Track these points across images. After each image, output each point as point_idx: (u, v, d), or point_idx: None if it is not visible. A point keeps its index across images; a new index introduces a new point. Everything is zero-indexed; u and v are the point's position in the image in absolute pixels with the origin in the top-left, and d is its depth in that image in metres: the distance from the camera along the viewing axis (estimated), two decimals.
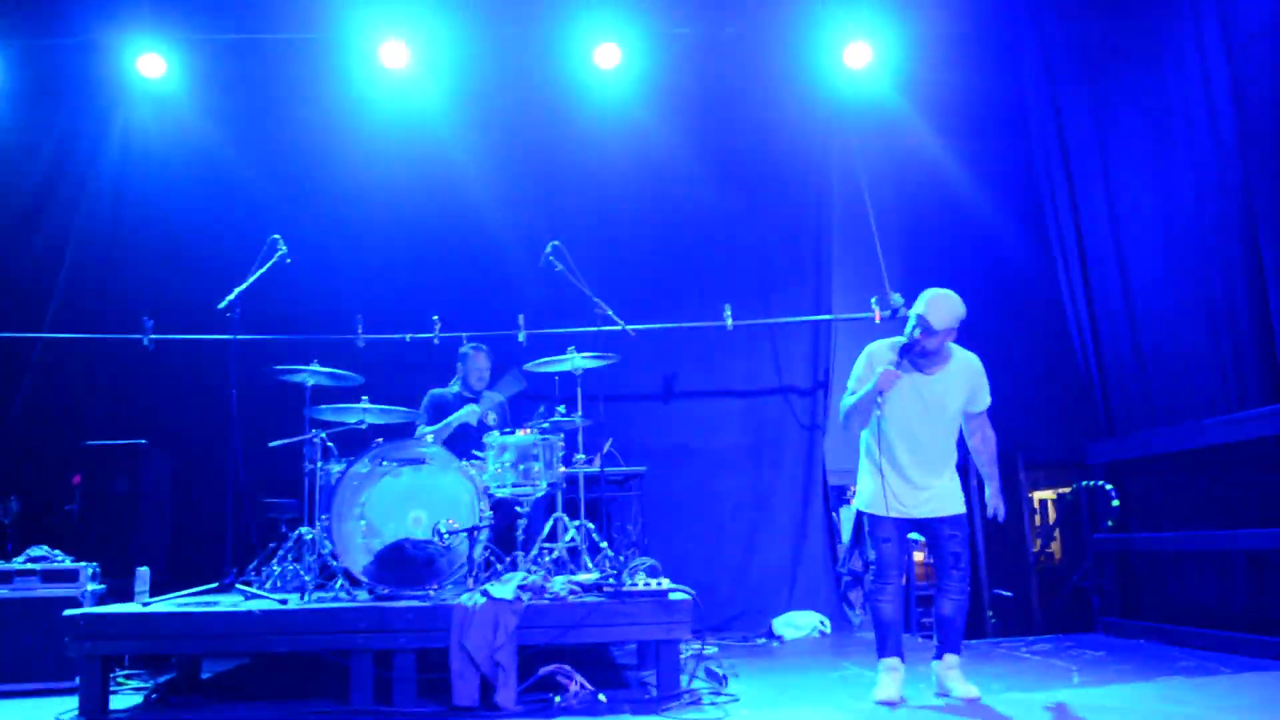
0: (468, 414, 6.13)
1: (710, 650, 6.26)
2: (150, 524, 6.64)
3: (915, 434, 4.58)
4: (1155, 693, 4.57)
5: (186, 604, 4.97)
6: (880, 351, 4.64)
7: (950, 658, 4.63)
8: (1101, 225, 6.91)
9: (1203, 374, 6.07)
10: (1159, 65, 6.36)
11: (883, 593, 4.63)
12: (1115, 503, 6.64)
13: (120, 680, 5.21)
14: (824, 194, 7.97)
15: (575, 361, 5.66)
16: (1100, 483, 6.74)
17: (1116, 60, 6.84)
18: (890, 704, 4.46)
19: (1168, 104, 6.29)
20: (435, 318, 7.17)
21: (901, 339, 4.57)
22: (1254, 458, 5.61)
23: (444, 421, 6.16)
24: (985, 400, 4.70)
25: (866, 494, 4.70)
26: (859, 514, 4.87)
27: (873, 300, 7.40)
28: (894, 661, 4.61)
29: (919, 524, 4.65)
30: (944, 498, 4.61)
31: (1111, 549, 6.76)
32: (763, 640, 6.99)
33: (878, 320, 7.26)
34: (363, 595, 5.03)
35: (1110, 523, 6.70)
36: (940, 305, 4.47)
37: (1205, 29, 5.96)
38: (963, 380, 4.64)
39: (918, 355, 4.52)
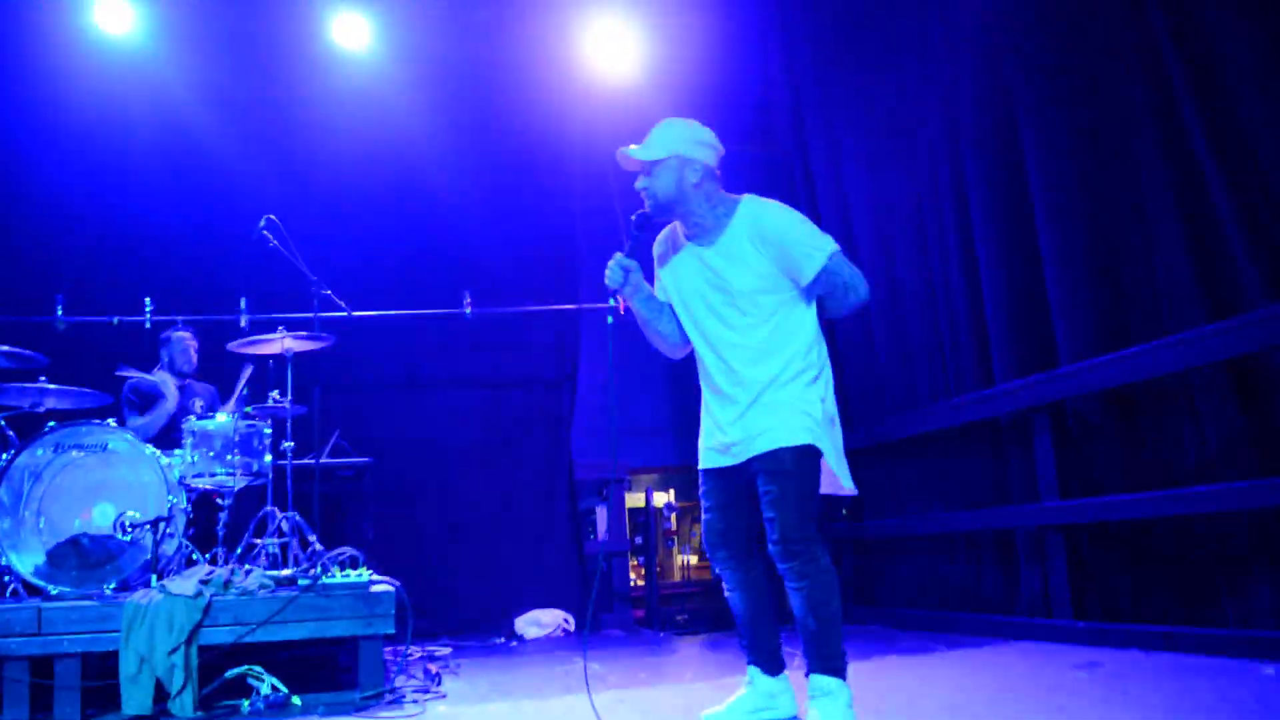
0: (170, 401, 5.63)
1: (443, 652, 5.99)
2: None
3: (718, 327, 3.31)
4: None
5: None
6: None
7: (811, 679, 3.21)
8: (833, 212, 7.03)
9: (925, 364, 6.24)
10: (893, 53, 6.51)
11: (722, 579, 3.47)
12: None
13: None
14: (571, 181, 7.76)
15: (286, 342, 5.23)
16: None
17: (851, 49, 6.97)
18: None
19: (898, 93, 6.46)
20: (147, 300, 6.55)
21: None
22: (968, 443, 5.80)
23: (155, 412, 5.65)
24: (810, 261, 3.18)
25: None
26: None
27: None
28: (748, 673, 3.43)
29: (740, 471, 3.33)
30: (760, 428, 3.20)
31: (847, 536, 6.88)
32: (502, 640, 6.74)
33: (622, 311, 7.10)
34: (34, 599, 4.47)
35: (845, 511, 6.82)
36: (656, 131, 3.38)
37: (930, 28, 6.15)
38: (746, 235, 3.23)
39: (648, 218, 3.37)
